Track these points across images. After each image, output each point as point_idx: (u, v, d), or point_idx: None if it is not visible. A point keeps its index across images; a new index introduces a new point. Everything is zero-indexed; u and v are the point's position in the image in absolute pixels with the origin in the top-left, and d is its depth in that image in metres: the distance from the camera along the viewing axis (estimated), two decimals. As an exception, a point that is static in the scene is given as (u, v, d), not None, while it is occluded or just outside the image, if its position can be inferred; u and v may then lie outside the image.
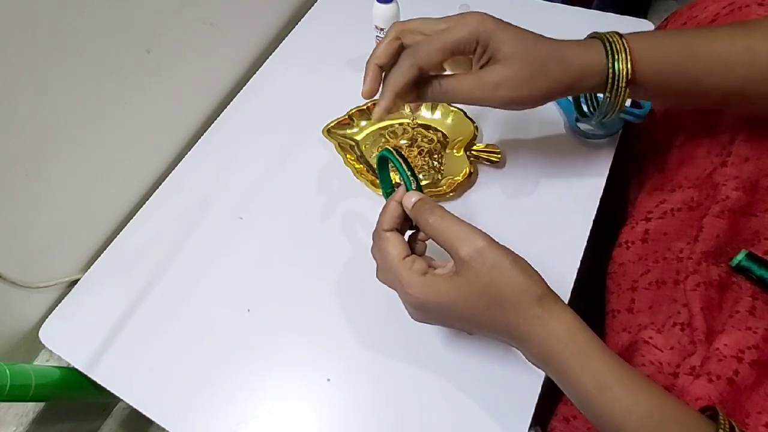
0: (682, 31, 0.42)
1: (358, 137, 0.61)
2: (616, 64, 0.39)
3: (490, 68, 0.40)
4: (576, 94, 0.42)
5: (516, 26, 0.41)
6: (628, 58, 0.39)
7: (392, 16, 0.60)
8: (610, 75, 0.40)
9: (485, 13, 0.40)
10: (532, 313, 0.34)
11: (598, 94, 0.43)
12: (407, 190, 0.40)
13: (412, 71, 0.40)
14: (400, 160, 0.40)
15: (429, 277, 0.36)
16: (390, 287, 0.40)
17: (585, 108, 0.48)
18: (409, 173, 0.40)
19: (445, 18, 0.41)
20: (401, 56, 0.42)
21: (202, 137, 0.64)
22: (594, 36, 0.42)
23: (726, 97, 0.42)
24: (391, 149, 0.41)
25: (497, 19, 0.40)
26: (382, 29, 0.61)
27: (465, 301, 0.35)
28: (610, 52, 0.40)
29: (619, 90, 0.40)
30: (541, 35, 0.41)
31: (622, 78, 0.39)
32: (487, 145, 0.56)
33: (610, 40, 0.40)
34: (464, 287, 0.35)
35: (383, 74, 0.43)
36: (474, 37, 0.39)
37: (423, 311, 0.38)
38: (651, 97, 0.44)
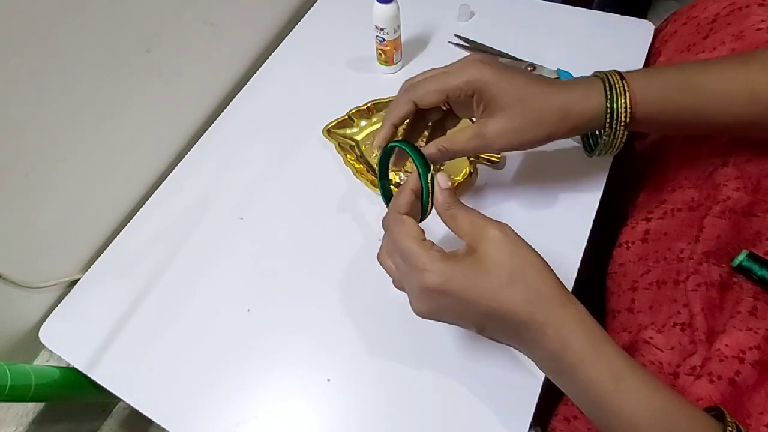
0: (682, 66, 0.43)
1: (358, 137, 0.61)
2: (615, 105, 0.40)
3: (487, 121, 0.41)
4: (576, 134, 0.43)
5: (514, 73, 0.41)
6: (627, 101, 0.40)
7: (392, 16, 0.59)
8: (608, 117, 0.41)
9: (485, 62, 0.41)
10: (553, 293, 0.34)
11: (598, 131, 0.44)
12: (423, 181, 0.39)
13: (408, 106, 0.43)
14: (415, 151, 0.40)
15: (449, 260, 0.35)
16: (393, 274, 0.40)
17: (583, 144, 0.48)
18: (423, 163, 0.39)
19: (449, 65, 0.43)
20: (400, 90, 0.44)
21: (202, 137, 0.64)
22: (596, 75, 0.43)
23: (727, 129, 0.43)
24: (405, 141, 0.41)
25: (496, 67, 0.41)
26: (382, 29, 0.60)
27: (487, 276, 0.34)
28: (609, 95, 0.40)
29: (617, 131, 0.41)
30: (539, 80, 0.42)
31: (621, 120, 0.40)
32: (487, 145, 0.56)
33: (611, 80, 0.41)
34: (486, 263, 0.35)
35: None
36: (470, 86, 0.41)
37: (437, 299, 0.36)
38: (651, 130, 0.45)
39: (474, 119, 0.44)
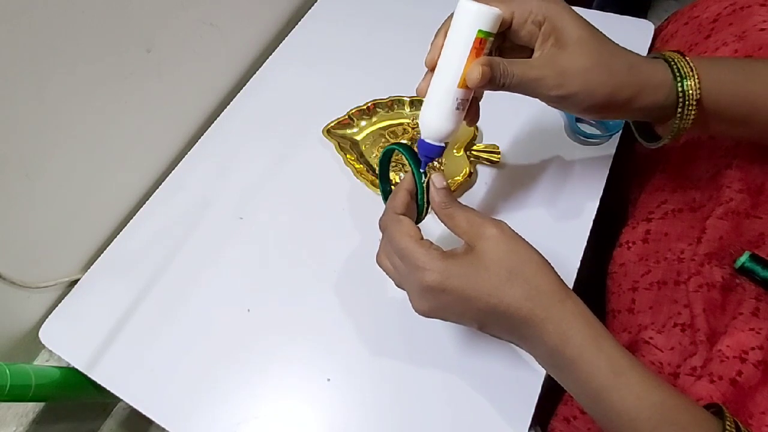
0: (743, 58, 0.40)
1: (358, 137, 0.60)
2: (684, 81, 0.37)
3: (557, 52, 0.36)
4: (632, 113, 0.39)
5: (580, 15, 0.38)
6: (696, 75, 0.37)
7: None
8: (680, 94, 0.37)
9: None
10: (552, 288, 0.34)
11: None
12: (417, 181, 0.39)
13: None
14: (409, 152, 0.40)
15: (448, 258, 0.36)
16: (392, 275, 0.40)
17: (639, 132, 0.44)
18: (417, 165, 0.39)
19: None
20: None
21: (202, 137, 0.63)
22: (655, 56, 0.40)
23: None
24: (399, 142, 0.41)
25: (565, 2, 0.37)
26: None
27: (486, 272, 0.34)
28: (677, 70, 0.37)
29: (690, 109, 0.38)
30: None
31: (692, 96, 0.37)
32: (487, 145, 0.56)
33: (674, 59, 0.38)
34: (485, 260, 0.35)
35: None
36: (542, 11, 0.36)
37: (437, 297, 0.36)
38: (708, 122, 0.39)
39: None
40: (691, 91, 0.37)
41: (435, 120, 0.38)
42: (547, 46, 0.37)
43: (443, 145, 0.39)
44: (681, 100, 0.37)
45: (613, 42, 0.38)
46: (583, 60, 0.36)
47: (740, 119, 0.39)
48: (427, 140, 0.39)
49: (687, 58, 0.38)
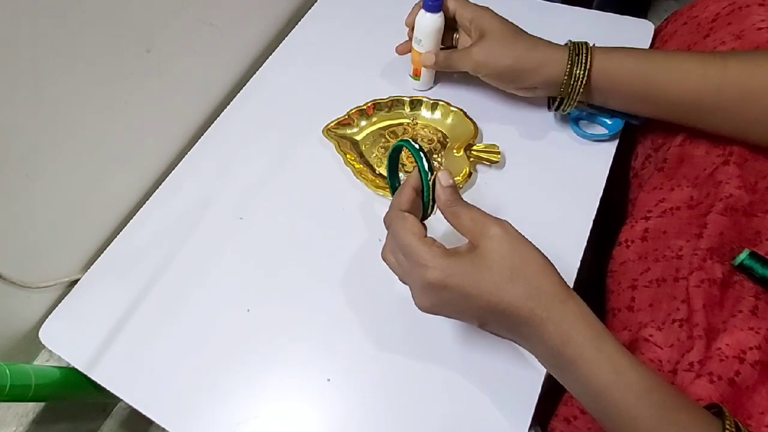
0: (645, 49, 0.52)
1: (358, 137, 0.60)
2: (574, 68, 0.49)
3: (479, 39, 0.52)
4: (537, 82, 0.51)
5: (511, 28, 0.53)
6: (587, 63, 0.48)
7: (437, 29, 0.56)
8: (566, 77, 0.49)
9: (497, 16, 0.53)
10: (554, 288, 0.34)
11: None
12: (423, 179, 0.39)
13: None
14: (418, 149, 0.40)
15: (451, 256, 0.36)
16: (397, 270, 0.40)
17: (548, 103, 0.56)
18: (426, 165, 0.40)
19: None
20: None
21: (202, 137, 0.63)
22: (567, 43, 0.51)
23: (682, 105, 0.47)
24: (406, 139, 0.41)
25: (502, 21, 0.53)
26: (420, 40, 0.57)
27: (488, 271, 0.35)
28: (573, 51, 0.49)
29: (575, 87, 0.49)
30: (524, 34, 0.52)
31: (579, 78, 0.48)
32: (487, 145, 0.56)
33: (578, 47, 0.49)
34: (487, 259, 0.35)
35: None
36: (471, 13, 0.54)
37: (439, 294, 0.36)
38: (607, 97, 0.51)
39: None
40: (578, 73, 0.48)
41: None
42: (474, 37, 0.54)
43: None
44: (566, 78, 0.49)
45: (526, 32, 0.52)
46: (492, 40, 0.51)
47: (638, 96, 0.49)
48: None
49: (589, 47, 0.49)
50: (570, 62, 0.48)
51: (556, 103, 0.52)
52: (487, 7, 0.53)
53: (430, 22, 0.55)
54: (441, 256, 0.36)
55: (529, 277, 0.35)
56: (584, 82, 0.48)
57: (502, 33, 0.51)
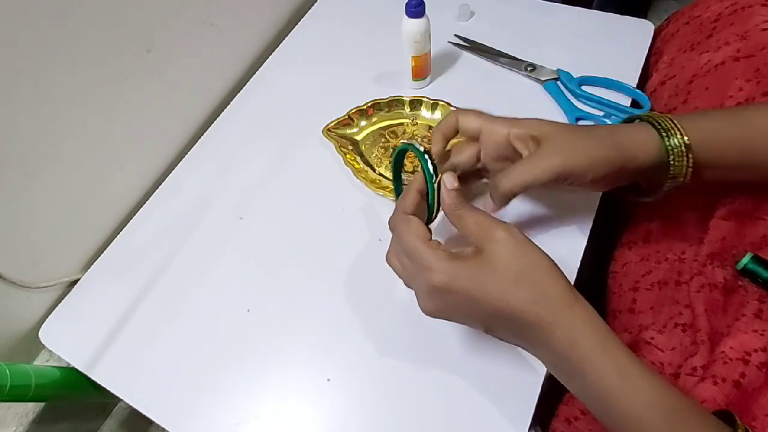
0: (729, 108, 0.41)
1: (358, 137, 0.60)
2: (670, 139, 0.39)
3: (538, 149, 0.40)
4: (629, 175, 0.41)
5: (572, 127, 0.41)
6: (679, 129, 0.39)
7: (424, 31, 0.57)
8: (668, 150, 0.39)
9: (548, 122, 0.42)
10: (561, 293, 0.34)
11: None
12: (428, 182, 0.39)
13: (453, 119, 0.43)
14: (422, 151, 0.40)
15: (456, 259, 0.36)
16: (401, 274, 0.40)
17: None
18: (431, 168, 0.39)
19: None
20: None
21: (202, 137, 0.63)
22: (637, 118, 0.42)
23: None
24: (410, 142, 0.41)
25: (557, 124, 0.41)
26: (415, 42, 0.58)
27: (493, 275, 0.34)
28: (662, 129, 0.39)
29: (681, 159, 0.39)
30: (589, 129, 0.41)
31: (681, 151, 0.39)
32: (487, 145, 0.56)
33: (657, 119, 0.40)
34: (493, 262, 0.35)
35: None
36: (538, 130, 0.41)
37: (444, 298, 0.36)
38: (702, 170, 0.40)
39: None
40: (678, 146, 0.38)
41: None
42: (531, 147, 0.41)
43: None
44: (670, 156, 0.39)
45: (596, 130, 0.41)
46: (555, 145, 0.39)
47: (738, 165, 0.40)
48: None
49: (668, 116, 0.39)
50: (664, 136, 0.39)
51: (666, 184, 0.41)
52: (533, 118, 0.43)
53: (417, 26, 0.56)
54: (446, 259, 0.35)
55: (535, 281, 0.34)
56: (687, 158, 0.39)
57: (563, 131, 0.41)
